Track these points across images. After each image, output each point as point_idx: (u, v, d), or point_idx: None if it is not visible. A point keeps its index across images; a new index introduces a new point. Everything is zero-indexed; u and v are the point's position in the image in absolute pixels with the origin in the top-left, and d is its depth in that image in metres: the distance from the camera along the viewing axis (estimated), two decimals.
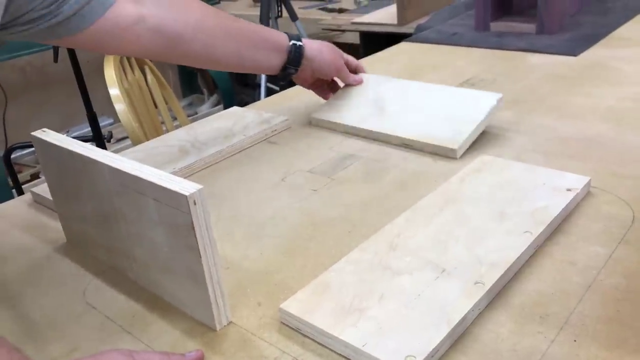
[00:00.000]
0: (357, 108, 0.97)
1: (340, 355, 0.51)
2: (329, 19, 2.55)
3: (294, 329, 0.54)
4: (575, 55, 1.21)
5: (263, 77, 2.47)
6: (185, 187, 0.50)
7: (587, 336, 0.50)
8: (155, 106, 1.60)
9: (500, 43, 1.35)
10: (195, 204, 0.50)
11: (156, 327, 0.57)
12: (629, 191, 0.70)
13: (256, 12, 2.58)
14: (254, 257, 0.66)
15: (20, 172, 2.48)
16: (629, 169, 0.75)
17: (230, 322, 0.56)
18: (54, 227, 0.76)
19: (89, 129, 1.91)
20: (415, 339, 0.49)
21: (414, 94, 0.96)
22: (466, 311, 0.52)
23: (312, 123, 1.00)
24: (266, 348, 0.53)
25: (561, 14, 1.39)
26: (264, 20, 2.48)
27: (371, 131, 0.92)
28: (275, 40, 0.91)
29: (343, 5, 2.78)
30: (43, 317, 0.60)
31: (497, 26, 1.45)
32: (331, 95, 1.03)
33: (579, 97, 1.00)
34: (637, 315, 0.52)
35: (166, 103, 1.65)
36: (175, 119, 1.74)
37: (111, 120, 2.91)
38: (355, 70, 1.02)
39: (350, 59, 1.02)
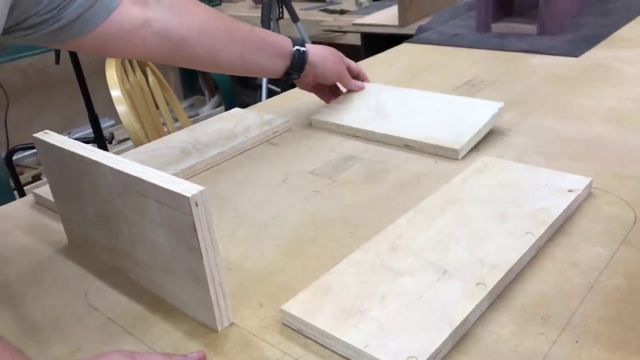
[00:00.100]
0: (357, 112, 0.97)
1: (341, 356, 0.51)
2: (330, 20, 2.55)
3: (296, 330, 0.54)
4: (576, 56, 1.21)
5: (264, 79, 2.47)
6: (187, 188, 0.50)
7: (589, 337, 0.50)
8: (157, 107, 1.60)
9: (501, 44, 1.35)
10: (197, 205, 0.50)
11: (158, 328, 0.57)
12: (630, 192, 0.70)
13: (257, 13, 2.58)
14: (256, 258, 0.66)
15: (21, 173, 2.49)
16: (631, 169, 0.75)
17: (232, 323, 0.56)
18: (56, 228, 0.76)
19: (91, 130, 1.91)
20: (417, 340, 0.49)
21: (415, 102, 0.96)
22: (468, 312, 0.52)
23: (313, 125, 1.00)
24: (268, 349, 0.53)
25: (562, 15, 1.39)
26: (265, 21, 2.48)
27: (372, 132, 0.92)
28: (279, 45, 0.91)
29: (344, 7, 2.78)
30: (45, 318, 0.61)
31: (498, 27, 1.45)
32: (333, 100, 1.04)
33: (580, 98, 1.00)
34: (638, 316, 0.52)
35: (167, 104, 1.65)
36: (176, 120, 1.74)
37: (113, 122, 2.92)
38: (357, 76, 1.02)
39: (353, 64, 1.02)
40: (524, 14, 1.49)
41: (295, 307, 0.55)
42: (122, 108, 1.38)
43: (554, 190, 0.69)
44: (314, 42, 2.53)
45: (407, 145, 0.88)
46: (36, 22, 0.67)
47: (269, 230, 0.71)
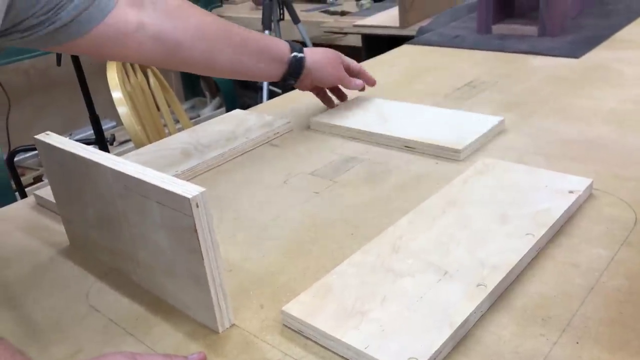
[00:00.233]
0: (358, 116, 0.98)
1: (342, 357, 0.51)
2: (331, 21, 2.55)
3: (297, 332, 0.54)
4: (577, 57, 1.21)
5: None
6: (188, 189, 0.50)
7: (590, 338, 0.50)
8: (158, 109, 1.61)
9: (502, 45, 1.35)
10: (197, 206, 0.50)
11: (159, 330, 0.57)
12: (631, 193, 0.70)
13: (258, 15, 2.58)
14: (256, 259, 0.66)
15: (23, 175, 2.49)
16: (631, 171, 0.75)
17: (233, 324, 0.56)
18: (57, 229, 0.76)
19: (92, 131, 1.92)
20: (418, 341, 0.49)
21: (416, 114, 0.96)
22: (468, 313, 0.52)
23: (312, 127, 1.00)
24: (268, 350, 0.53)
25: (563, 17, 1.39)
26: (266, 23, 2.47)
27: (373, 134, 0.92)
28: (276, 50, 0.90)
29: (345, 8, 2.78)
30: (46, 319, 0.61)
31: (499, 29, 1.45)
32: (334, 103, 1.04)
33: (581, 100, 1.00)
34: (639, 317, 0.52)
35: (169, 106, 1.65)
36: (177, 121, 1.75)
37: (114, 123, 2.92)
38: (357, 75, 1.02)
39: (352, 63, 1.01)
40: (524, 16, 1.49)
41: (296, 308, 0.55)
42: (123, 109, 1.39)
43: (555, 191, 0.69)
44: (314, 44, 2.54)
45: (408, 147, 0.88)
46: (33, 23, 0.67)
47: (270, 232, 0.71)
